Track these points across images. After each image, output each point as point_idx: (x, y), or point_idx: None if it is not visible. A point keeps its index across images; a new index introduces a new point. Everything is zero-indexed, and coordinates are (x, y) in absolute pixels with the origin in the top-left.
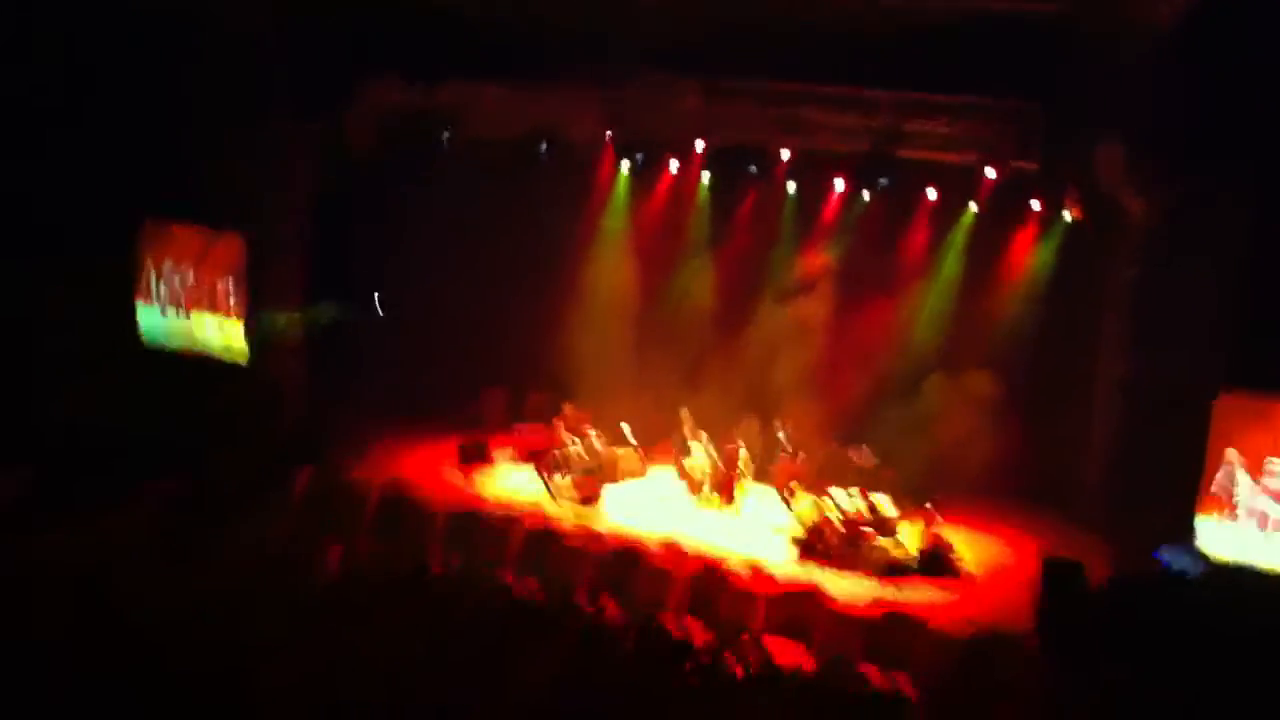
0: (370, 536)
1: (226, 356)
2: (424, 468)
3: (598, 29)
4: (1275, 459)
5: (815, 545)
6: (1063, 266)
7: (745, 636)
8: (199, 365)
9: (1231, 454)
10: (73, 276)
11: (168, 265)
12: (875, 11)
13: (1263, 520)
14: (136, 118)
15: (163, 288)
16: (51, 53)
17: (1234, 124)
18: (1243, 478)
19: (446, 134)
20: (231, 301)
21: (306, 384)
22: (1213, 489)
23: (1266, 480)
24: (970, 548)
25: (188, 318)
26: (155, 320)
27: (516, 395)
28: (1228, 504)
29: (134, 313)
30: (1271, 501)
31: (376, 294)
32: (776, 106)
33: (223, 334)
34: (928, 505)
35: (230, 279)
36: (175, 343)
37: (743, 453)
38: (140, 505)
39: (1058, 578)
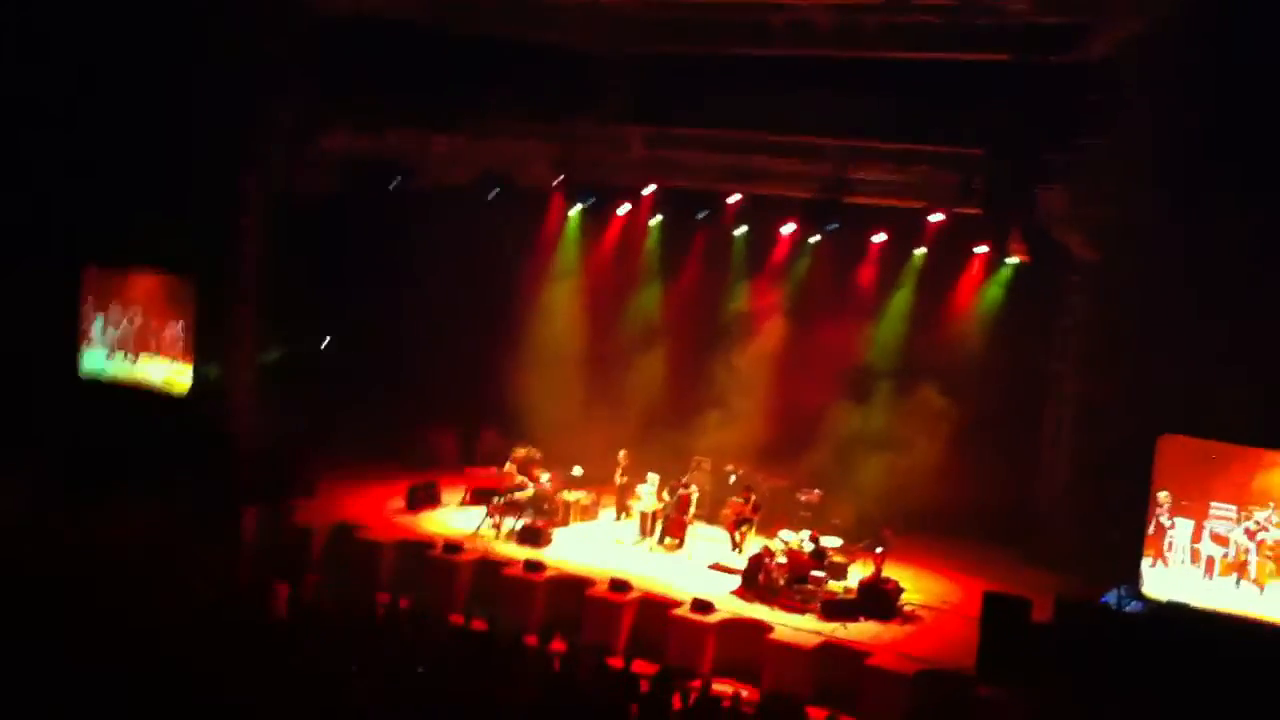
0: (318, 576)
1: (168, 391)
2: (373, 508)
3: (548, 77)
4: (1220, 504)
5: (762, 585)
6: (1010, 307)
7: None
8: (143, 403)
9: (1164, 496)
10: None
11: (115, 309)
12: (824, 60)
13: (1209, 566)
14: (86, 163)
15: (110, 332)
16: None
17: (1174, 164)
18: (1181, 522)
19: (396, 181)
20: (181, 345)
21: (256, 424)
22: (1150, 530)
23: (1212, 524)
24: (919, 586)
25: (135, 361)
26: (99, 363)
27: (467, 435)
28: (1166, 547)
29: (75, 353)
30: (1216, 546)
31: (327, 338)
32: (724, 153)
33: (170, 375)
34: (878, 550)
35: (180, 322)
36: (116, 377)
37: (694, 494)
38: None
39: (1000, 613)
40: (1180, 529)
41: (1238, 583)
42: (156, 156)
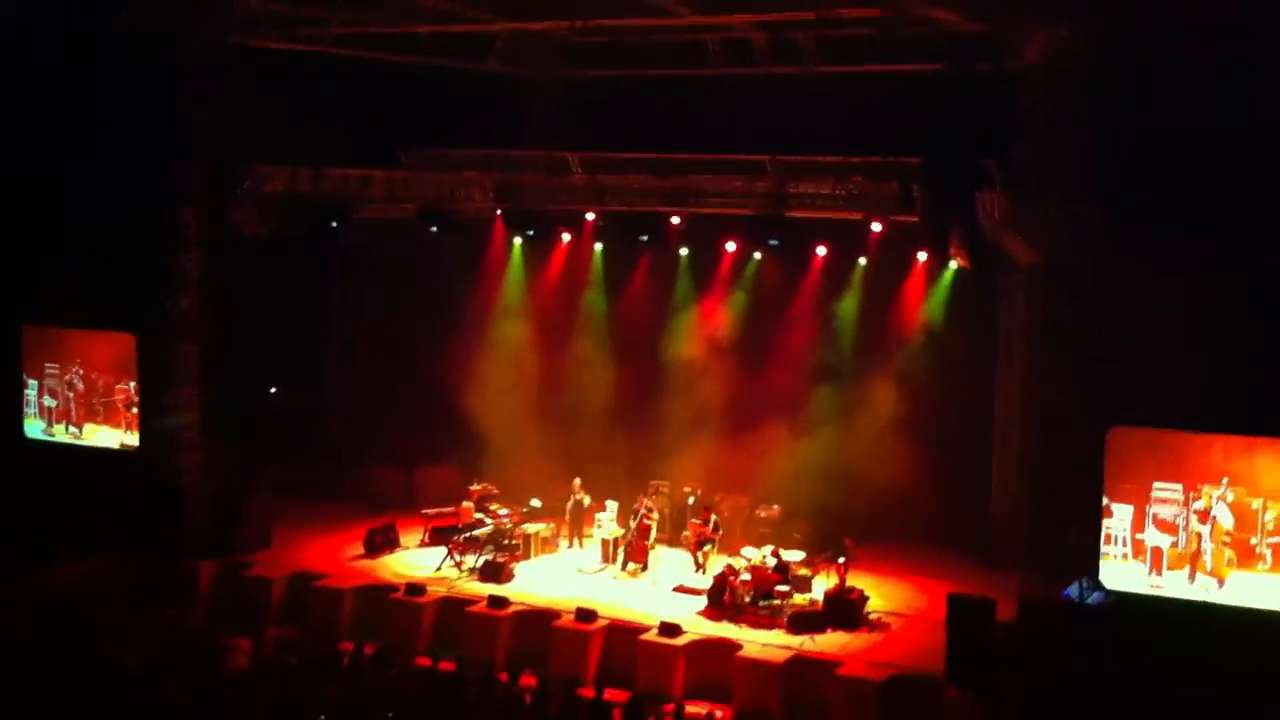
0: (278, 626)
1: (118, 448)
2: (331, 555)
3: (483, 105)
4: (1165, 484)
5: (728, 604)
6: (955, 312)
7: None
8: (90, 458)
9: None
10: None
11: (53, 373)
12: (757, 78)
13: (1155, 558)
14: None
15: (47, 400)
16: None
17: (1107, 160)
18: (1120, 509)
19: (335, 223)
20: (132, 411)
21: (206, 477)
22: (1106, 527)
23: (1155, 509)
24: (883, 594)
25: (79, 432)
26: (39, 432)
27: (422, 473)
28: (1103, 539)
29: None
30: (1162, 535)
31: (272, 388)
32: (663, 175)
33: (118, 442)
34: (840, 560)
35: (125, 383)
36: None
37: (654, 518)
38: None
39: (965, 615)
40: (1119, 517)
41: (1192, 577)
42: (88, 208)
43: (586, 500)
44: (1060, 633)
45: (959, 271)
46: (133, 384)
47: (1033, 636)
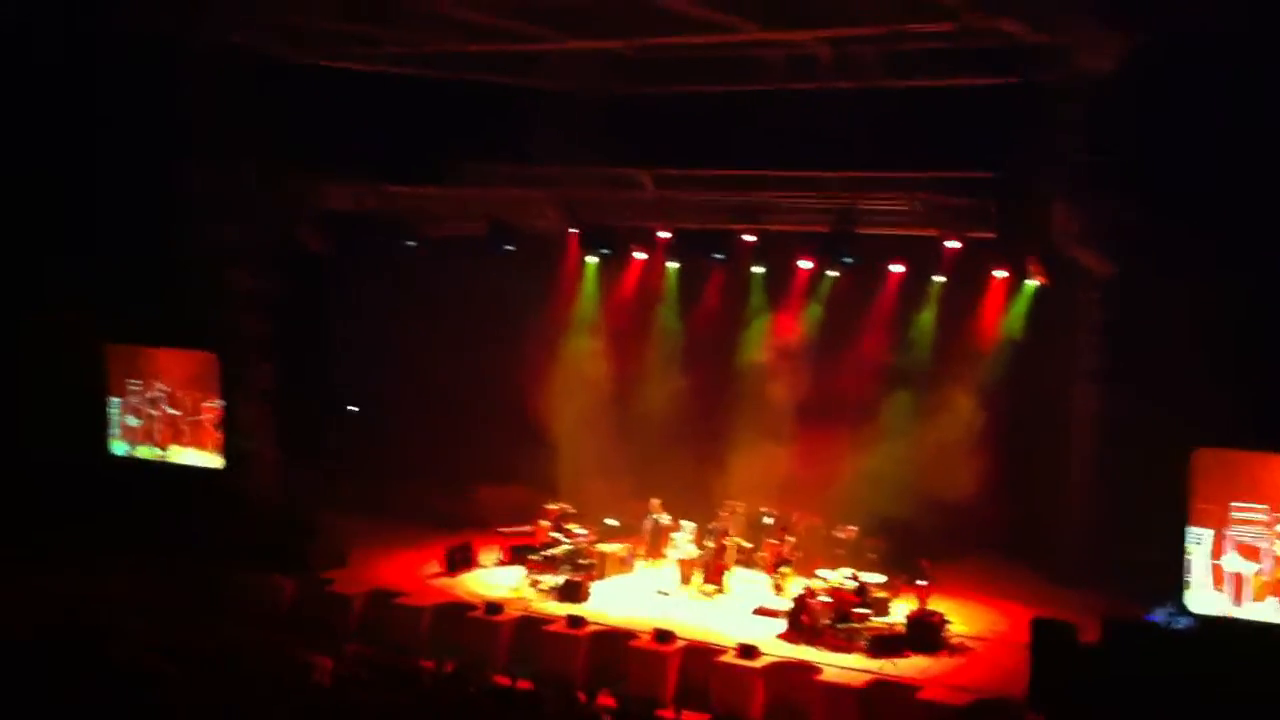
0: (357, 644)
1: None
2: (408, 573)
3: (551, 123)
4: (1245, 504)
5: (807, 626)
6: (1034, 328)
7: None
8: (174, 476)
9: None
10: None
11: (135, 391)
12: (827, 91)
13: (1238, 587)
14: (94, 240)
15: (130, 419)
16: None
17: (1182, 174)
18: (1198, 533)
19: (410, 241)
20: (212, 428)
21: (286, 493)
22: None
23: (1236, 533)
24: (963, 616)
25: (164, 452)
26: (124, 450)
27: (497, 492)
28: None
29: (104, 428)
30: (1245, 562)
31: (350, 407)
32: (734, 191)
33: (202, 461)
34: (920, 581)
35: (203, 398)
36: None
37: (730, 539)
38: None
39: (1049, 639)
40: (1198, 543)
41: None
42: (160, 228)
43: (665, 519)
44: (1146, 657)
45: (1038, 288)
46: (220, 402)
47: (1118, 661)
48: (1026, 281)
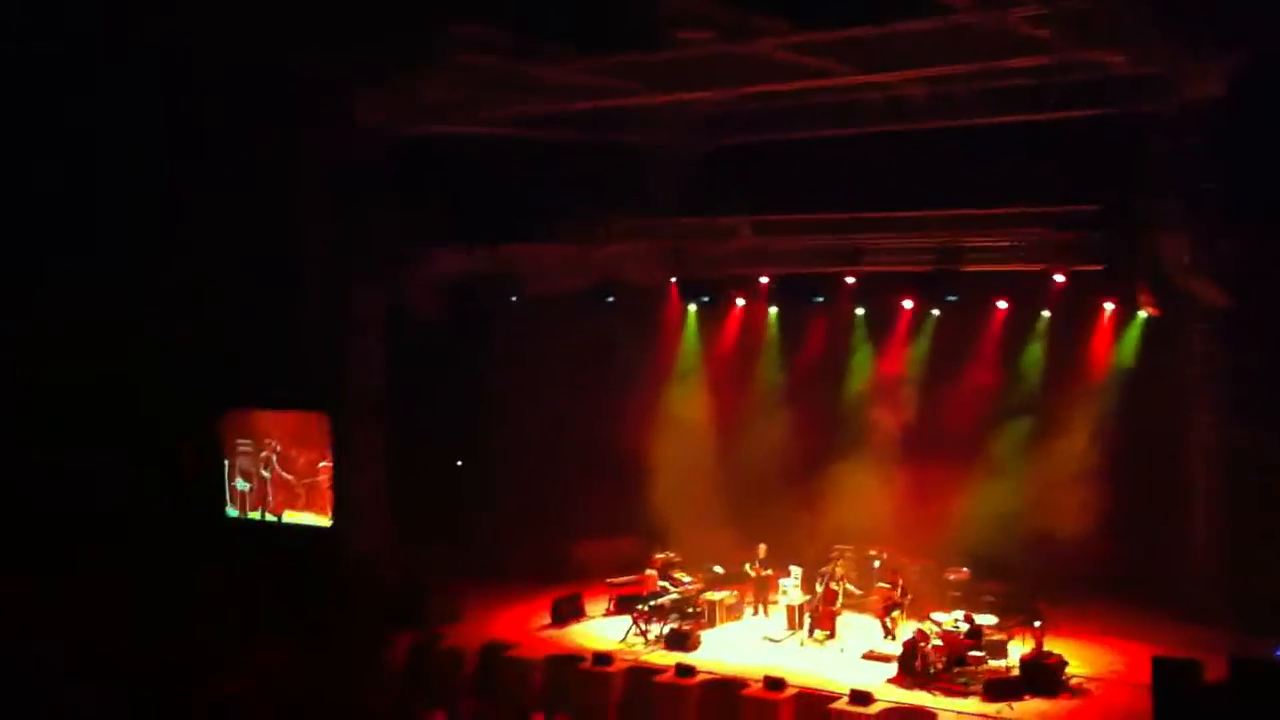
0: (471, 698)
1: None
2: (519, 625)
3: (648, 175)
4: None
5: (920, 670)
6: (1146, 361)
7: None
8: (288, 536)
9: None
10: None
11: (248, 454)
12: (923, 131)
13: None
14: (204, 307)
15: (240, 483)
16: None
17: None
18: None
19: (515, 297)
20: (323, 490)
21: (398, 550)
22: None
23: None
24: (1082, 657)
25: (278, 520)
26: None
27: (603, 543)
28: None
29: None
30: None
31: (459, 461)
32: (832, 235)
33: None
34: (1036, 624)
35: (321, 463)
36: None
37: (839, 584)
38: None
39: (1172, 678)
40: None
41: None
42: (272, 294)
43: (770, 566)
44: (1276, 695)
45: (1148, 319)
46: (324, 462)
47: (1246, 699)
48: (1138, 313)
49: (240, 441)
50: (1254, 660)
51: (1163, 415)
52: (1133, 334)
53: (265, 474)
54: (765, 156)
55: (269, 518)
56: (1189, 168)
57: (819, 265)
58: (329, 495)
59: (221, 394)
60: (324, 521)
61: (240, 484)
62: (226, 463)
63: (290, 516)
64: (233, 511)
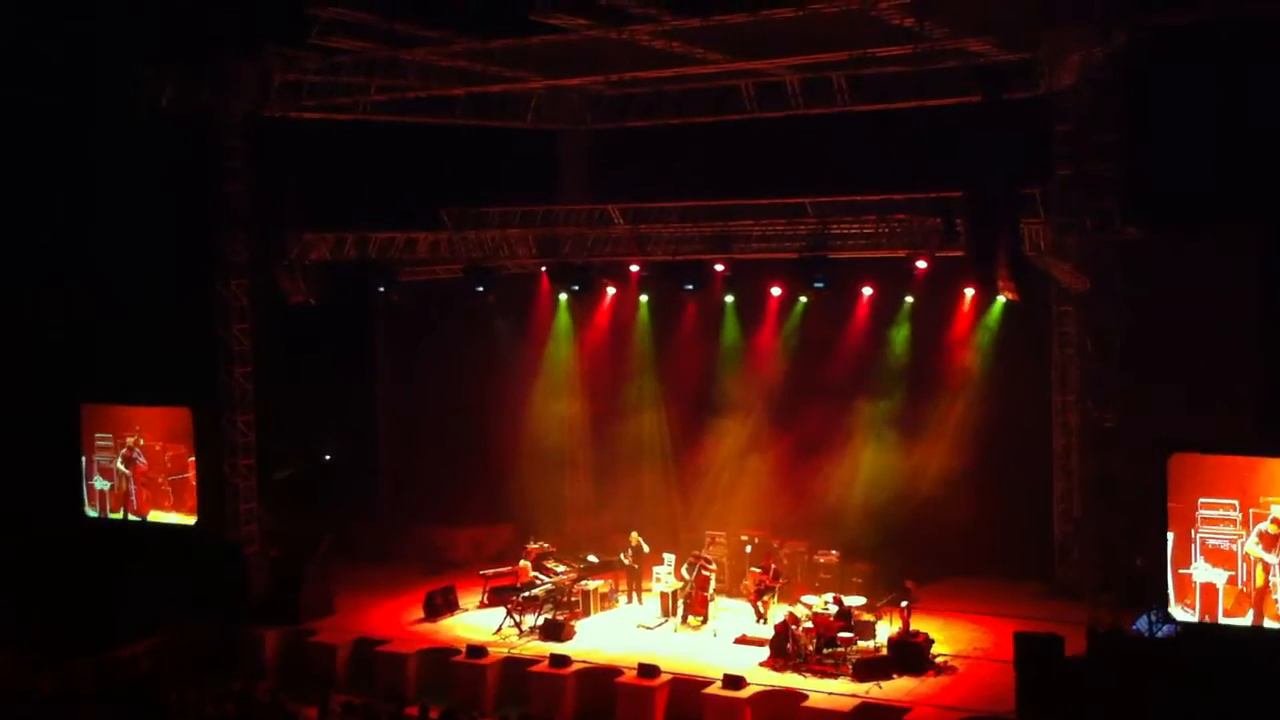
0: (344, 693)
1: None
2: (392, 619)
3: (522, 161)
4: (1214, 500)
5: (792, 653)
6: (1007, 343)
7: None
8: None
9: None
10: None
11: (107, 450)
12: (795, 119)
13: (1208, 599)
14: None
15: (100, 483)
16: None
17: (1148, 186)
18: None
19: (381, 287)
20: (186, 488)
21: (266, 546)
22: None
23: (1205, 534)
24: (949, 635)
25: (142, 520)
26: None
27: (477, 533)
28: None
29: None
30: (1215, 570)
31: (326, 455)
32: (705, 222)
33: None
34: (903, 604)
35: (186, 455)
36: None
37: (711, 569)
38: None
39: (1033, 653)
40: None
41: (1259, 620)
42: (136, 283)
43: (646, 548)
44: (1132, 667)
45: (1008, 304)
46: (187, 458)
47: (1103, 672)
48: (998, 298)
49: (99, 437)
50: (1110, 634)
51: (1025, 396)
52: (993, 318)
53: (127, 470)
54: (638, 143)
55: (132, 518)
56: (1047, 153)
57: (690, 252)
58: (193, 491)
59: (79, 387)
60: (191, 521)
61: (99, 483)
62: (84, 460)
63: (156, 516)
64: (92, 512)
